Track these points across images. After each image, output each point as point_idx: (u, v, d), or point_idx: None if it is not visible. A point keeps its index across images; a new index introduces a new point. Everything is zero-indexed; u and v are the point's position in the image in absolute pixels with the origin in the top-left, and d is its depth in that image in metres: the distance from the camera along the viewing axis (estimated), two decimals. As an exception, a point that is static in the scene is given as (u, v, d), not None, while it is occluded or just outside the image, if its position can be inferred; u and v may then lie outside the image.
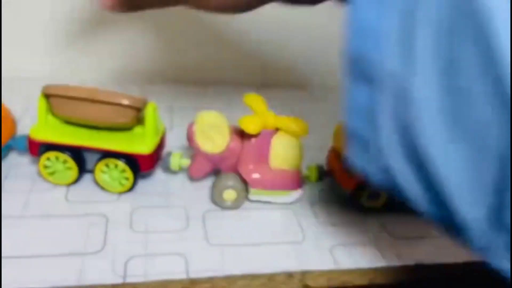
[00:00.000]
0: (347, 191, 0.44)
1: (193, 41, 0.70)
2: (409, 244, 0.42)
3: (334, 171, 0.46)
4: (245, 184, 0.43)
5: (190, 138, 0.43)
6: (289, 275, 0.37)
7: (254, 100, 0.45)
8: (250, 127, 0.40)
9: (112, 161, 0.41)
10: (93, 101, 0.39)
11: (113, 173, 0.42)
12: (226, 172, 0.43)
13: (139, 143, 0.42)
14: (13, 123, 0.46)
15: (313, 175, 0.46)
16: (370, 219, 0.45)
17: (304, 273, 0.37)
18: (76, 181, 0.43)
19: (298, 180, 0.44)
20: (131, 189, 0.43)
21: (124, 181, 0.42)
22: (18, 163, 0.45)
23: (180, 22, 0.68)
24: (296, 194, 0.44)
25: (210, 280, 0.35)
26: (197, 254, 0.37)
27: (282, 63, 0.76)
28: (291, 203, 0.45)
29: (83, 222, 0.39)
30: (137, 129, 0.43)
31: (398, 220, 0.45)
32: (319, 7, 0.42)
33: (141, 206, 0.42)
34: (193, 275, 0.35)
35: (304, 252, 0.39)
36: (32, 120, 0.47)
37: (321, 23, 0.70)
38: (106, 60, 0.69)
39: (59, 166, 0.42)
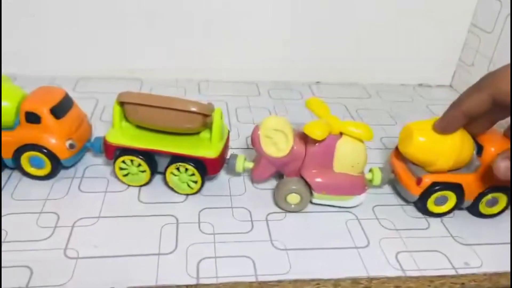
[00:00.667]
0: (413, 195, 0.44)
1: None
2: (477, 250, 0.41)
3: (398, 174, 0.46)
4: (309, 187, 0.43)
5: (254, 142, 0.43)
6: (355, 281, 0.37)
7: (316, 104, 0.45)
8: (316, 133, 0.40)
9: (182, 165, 0.43)
10: (165, 108, 0.41)
11: (183, 176, 0.44)
12: (290, 176, 0.44)
13: (207, 148, 0.44)
14: (90, 127, 0.49)
15: (377, 178, 0.45)
16: (435, 224, 0.44)
17: (371, 280, 0.37)
18: (148, 182, 0.45)
19: (362, 185, 0.44)
20: (199, 191, 0.45)
21: (192, 184, 0.44)
22: (93, 164, 0.48)
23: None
24: (359, 198, 0.44)
25: (278, 283, 0.36)
26: (264, 256, 0.38)
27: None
28: (353, 207, 0.45)
29: (155, 222, 0.41)
30: (204, 134, 0.45)
31: (463, 225, 0.44)
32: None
33: (207, 207, 0.44)
34: (261, 278, 0.36)
35: (368, 257, 0.39)
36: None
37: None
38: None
39: (133, 169, 0.44)
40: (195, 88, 0.69)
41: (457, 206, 0.44)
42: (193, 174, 0.44)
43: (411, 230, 0.43)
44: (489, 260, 0.40)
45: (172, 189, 0.45)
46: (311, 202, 0.44)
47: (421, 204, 0.44)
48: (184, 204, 0.44)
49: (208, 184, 0.47)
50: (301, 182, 0.43)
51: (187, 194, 0.45)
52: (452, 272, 0.38)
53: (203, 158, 0.43)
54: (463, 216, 0.45)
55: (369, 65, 0.75)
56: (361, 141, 0.42)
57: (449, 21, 0.72)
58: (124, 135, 0.44)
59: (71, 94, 0.47)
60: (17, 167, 0.44)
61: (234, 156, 0.46)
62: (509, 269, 0.39)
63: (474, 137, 0.44)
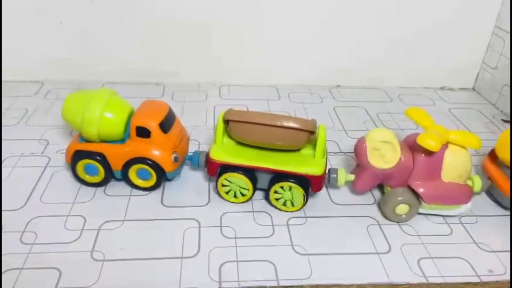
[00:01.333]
0: None
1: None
2: (500, 257, 0.40)
3: (495, 180, 0.46)
4: (417, 197, 0.43)
5: (360, 154, 0.43)
6: (377, 287, 0.37)
7: (419, 114, 0.45)
8: (431, 145, 0.40)
9: (286, 184, 0.43)
10: (271, 126, 0.41)
11: (287, 194, 0.43)
12: (395, 187, 0.44)
13: (311, 165, 0.43)
14: (189, 140, 0.50)
15: (477, 185, 0.45)
16: (457, 230, 0.44)
17: (394, 286, 0.37)
18: (249, 199, 0.45)
19: (469, 193, 0.44)
20: (300, 209, 0.44)
21: (296, 202, 0.44)
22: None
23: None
24: (466, 206, 0.44)
25: (299, 288, 0.36)
26: (285, 261, 0.39)
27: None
28: (459, 216, 0.45)
29: (178, 226, 0.42)
30: (305, 150, 0.45)
31: (487, 231, 0.43)
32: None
33: (228, 211, 0.44)
34: (283, 282, 0.37)
35: (390, 263, 0.39)
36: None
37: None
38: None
39: (235, 186, 0.44)
40: (216, 92, 0.70)
41: None
42: (297, 192, 0.43)
43: (433, 236, 0.43)
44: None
45: (275, 207, 0.45)
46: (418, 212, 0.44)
47: None
48: (206, 208, 0.45)
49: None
50: (408, 192, 0.43)
51: (291, 211, 0.44)
52: (475, 280, 0.38)
53: (308, 175, 0.43)
54: (486, 222, 0.45)
55: (391, 69, 0.74)
56: (466, 149, 0.43)
57: (473, 23, 0.71)
58: (227, 152, 0.44)
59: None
60: (125, 178, 0.46)
61: (334, 170, 0.45)
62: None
63: None
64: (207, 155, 0.45)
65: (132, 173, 0.45)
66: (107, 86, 0.69)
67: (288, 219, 0.44)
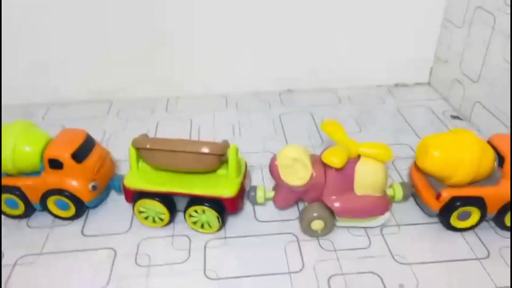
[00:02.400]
0: (433, 210, 0.43)
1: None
2: (414, 270, 0.40)
3: (418, 188, 0.45)
4: (332, 212, 0.43)
5: (273, 172, 0.43)
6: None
7: (333, 127, 0.45)
8: (334, 162, 0.40)
9: (199, 207, 0.43)
10: (179, 151, 0.42)
11: (202, 217, 0.44)
12: (312, 203, 0.44)
13: (224, 186, 0.43)
14: (113, 164, 0.50)
15: (398, 193, 0.45)
16: (458, 238, 0.43)
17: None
18: (169, 223, 0.45)
19: (385, 204, 0.43)
20: (219, 230, 0.44)
21: (212, 224, 0.44)
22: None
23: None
24: (384, 217, 0.43)
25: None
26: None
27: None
28: (379, 227, 0.44)
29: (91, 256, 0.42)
30: (222, 170, 0.44)
31: (404, 243, 0.43)
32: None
33: (147, 237, 0.44)
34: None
35: (300, 282, 0.39)
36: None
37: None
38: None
39: (152, 212, 0.44)
40: (164, 105, 0.70)
41: (481, 220, 0.43)
42: (211, 214, 0.43)
43: (350, 250, 0.42)
44: (425, 281, 0.39)
45: (195, 230, 0.45)
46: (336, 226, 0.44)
47: (444, 220, 0.44)
48: (125, 236, 0.45)
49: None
50: (323, 207, 0.43)
51: (209, 233, 0.45)
52: (384, 296, 0.38)
53: (221, 197, 0.43)
54: (407, 231, 0.44)
55: (341, 69, 0.73)
56: (387, 161, 0.42)
57: (422, 16, 0.70)
58: (141, 178, 0.44)
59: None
60: (45, 209, 0.46)
61: (254, 188, 0.45)
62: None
63: (496, 148, 0.43)
64: (122, 182, 0.45)
65: (51, 204, 0.45)
66: (55, 107, 0.70)
67: (207, 242, 0.44)
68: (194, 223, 0.44)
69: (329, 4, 0.67)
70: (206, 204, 0.43)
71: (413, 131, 0.62)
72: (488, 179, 0.42)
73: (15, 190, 0.45)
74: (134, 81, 0.71)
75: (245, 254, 0.42)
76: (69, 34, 0.67)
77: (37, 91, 0.70)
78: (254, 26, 0.68)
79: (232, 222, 0.46)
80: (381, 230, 0.44)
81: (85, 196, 0.45)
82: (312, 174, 0.42)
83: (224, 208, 0.43)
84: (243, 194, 0.45)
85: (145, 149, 0.43)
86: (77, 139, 0.45)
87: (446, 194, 0.42)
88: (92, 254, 0.42)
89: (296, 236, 0.44)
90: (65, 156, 0.44)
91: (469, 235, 0.44)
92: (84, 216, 0.47)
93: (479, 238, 0.43)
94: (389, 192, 0.45)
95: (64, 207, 0.45)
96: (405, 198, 0.45)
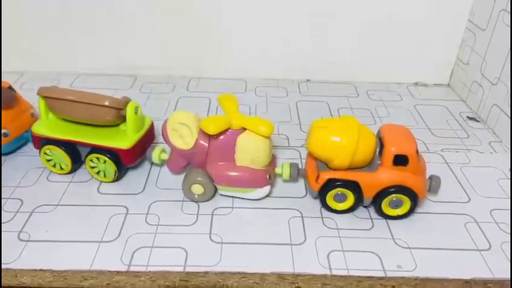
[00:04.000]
0: (313, 191, 0.45)
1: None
2: (414, 254, 0.41)
3: (306, 170, 0.47)
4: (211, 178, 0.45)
5: (163, 134, 0.46)
6: (281, 276, 0.38)
7: (227, 100, 0.47)
8: (209, 128, 0.42)
9: (97, 156, 0.47)
10: (80, 102, 0.45)
11: (101, 166, 0.47)
12: (195, 168, 0.46)
13: (122, 139, 0.47)
14: (32, 119, 0.53)
15: (285, 172, 0.47)
16: (380, 225, 0.44)
17: (297, 276, 0.38)
18: (71, 171, 0.49)
19: (263, 178, 0.45)
20: (116, 180, 0.48)
21: (108, 174, 0.48)
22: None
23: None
24: (261, 191, 0.45)
25: (205, 274, 0.38)
26: (197, 248, 0.41)
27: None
28: (260, 199, 0.46)
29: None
30: (124, 125, 0.48)
31: (410, 229, 0.44)
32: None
33: (157, 200, 0.46)
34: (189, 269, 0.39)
35: (301, 255, 0.40)
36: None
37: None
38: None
39: (56, 157, 0.48)
40: (185, 85, 0.72)
41: (357, 204, 0.45)
42: (108, 164, 0.47)
43: (352, 230, 0.43)
44: (424, 265, 0.40)
45: (93, 177, 0.49)
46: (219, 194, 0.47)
47: (321, 200, 0.45)
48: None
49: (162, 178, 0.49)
50: (204, 173, 0.45)
51: (106, 182, 0.49)
52: (381, 274, 0.38)
53: (117, 149, 0.47)
54: (409, 219, 0.45)
55: (362, 64, 0.74)
56: (265, 136, 0.44)
57: (447, 18, 0.70)
58: (48, 127, 0.48)
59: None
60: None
61: (151, 148, 0.49)
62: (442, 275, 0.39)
63: (379, 137, 0.44)
64: (30, 129, 0.49)
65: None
66: (82, 78, 0.73)
67: (214, 209, 0.45)
68: (93, 169, 0.48)
69: (354, 2, 0.69)
70: (105, 154, 0.47)
71: (428, 128, 0.62)
72: (369, 165, 0.44)
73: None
74: (159, 59, 0.74)
75: (249, 224, 0.44)
76: (101, 11, 0.69)
77: (67, 61, 0.73)
78: (282, 15, 0.70)
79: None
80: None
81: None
82: (196, 140, 0.44)
83: (120, 160, 0.47)
84: (141, 151, 0.49)
85: (49, 98, 0.46)
86: None
87: (324, 176, 0.43)
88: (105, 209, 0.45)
89: (301, 213, 0.45)
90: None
91: (473, 228, 0.44)
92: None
93: (482, 231, 0.44)
94: (278, 170, 0.47)
95: None
96: (292, 178, 0.47)
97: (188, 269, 0.38)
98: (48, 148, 0.48)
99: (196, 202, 0.46)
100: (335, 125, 0.43)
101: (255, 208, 0.45)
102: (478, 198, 0.48)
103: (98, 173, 0.48)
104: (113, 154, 0.47)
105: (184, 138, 0.45)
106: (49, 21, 0.70)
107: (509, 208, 0.47)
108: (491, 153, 0.57)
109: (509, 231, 0.44)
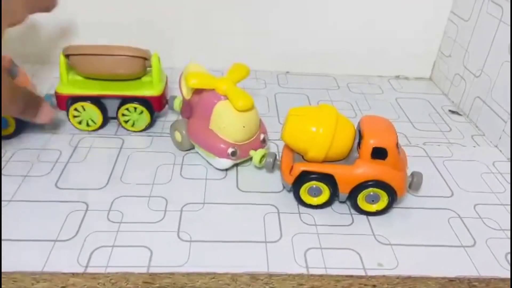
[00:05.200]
0: (287, 183, 0.42)
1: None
2: (396, 251, 0.38)
3: (282, 161, 0.44)
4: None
5: (179, 82, 0.50)
6: (254, 276, 0.35)
7: (236, 68, 0.48)
8: (191, 81, 0.44)
9: (131, 105, 0.50)
10: (108, 55, 0.47)
11: (133, 115, 0.51)
12: (183, 118, 0.50)
13: (151, 88, 0.50)
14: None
15: (256, 158, 0.46)
16: (360, 221, 0.42)
17: (270, 276, 0.35)
18: (102, 126, 0.52)
19: (224, 150, 0.45)
20: (147, 128, 0.52)
21: (140, 123, 0.51)
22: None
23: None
24: (220, 161, 0.45)
25: (170, 275, 0.35)
26: (163, 247, 0.37)
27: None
28: (220, 170, 0.47)
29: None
30: (145, 78, 0.51)
31: (392, 224, 0.41)
32: None
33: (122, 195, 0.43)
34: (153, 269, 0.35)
35: (276, 253, 0.37)
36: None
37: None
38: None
39: (85, 115, 0.50)
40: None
41: (333, 199, 0.42)
42: (142, 112, 0.50)
43: (332, 226, 0.41)
44: (406, 262, 0.37)
45: (126, 129, 0.52)
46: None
47: (295, 194, 0.42)
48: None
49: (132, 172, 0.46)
50: (184, 124, 0.48)
51: (137, 131, 0.52)
52: (361, 273, 0.36)
53: (149, 97, 0.50)
54: (391, 213, 0.43)
55: (343, 56, 0.72)
56: (238, 110, 0.43)
57: (429, 9, 0.68)
58: (73, 85, 0.49)
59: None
60: None
61: (173, 97, 0.53)
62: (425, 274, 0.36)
63: (359, 129, 0.42)
64: (55, 91, 0.50)
65: None
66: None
67: (184, 206, 0.42)
68: (126, 122, 0.51)
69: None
70: (138, 103, 0.50)
71: (409, 121, 0.60)
72: (347, 158, 0.41)
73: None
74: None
75: (221, 220, 0.40)
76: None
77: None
78: (263, 7, 0.67)
79: (212, 189, 0.44)
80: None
81: None
82: (193, 92, 0.47)
83: (151, 106, 0.51)
84: (165, 99, 0.53)
85: (75, 55, 0.47)
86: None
87: (298, 168, 0.41)
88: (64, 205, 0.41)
89: (277, 208, 0.42)
90: None
91: (457, 223, 0.42)
92: (59, 170, 0.45)
93: (466, 227, 0.42)
94: (251, 153, 0.46)
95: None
96: (265, 167, 0.45)
97: (152, 270, 0.35)
98: (81, 105, 0.49)
99: (177, 148, 0.49)
100: (312, 114, 0.40)
101: (228, 204, 0.42)
102: (461, 192, 0.46)
103: (127, 122, 0.51)
104: (146, 103, 0.50)
105: (187, 88, 0.48)
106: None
107: (494, 203, 0.45)
108: (474, 146, 0.55)
109: (495, 227, 0.42)
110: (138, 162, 0.48)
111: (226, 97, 0.44)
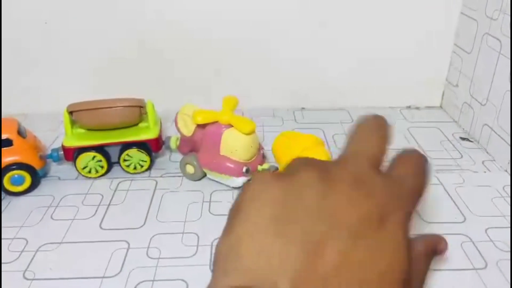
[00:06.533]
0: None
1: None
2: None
3: None
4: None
5: (175, 122, 0.56)
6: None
7: (228, 100, 0.55)
8: (197, 118, 0.52)
9: (131, 150, 0.55)
10: (107, 108, 0.54)
11: (134, 159, 0.56)
12: (194, 153, 0.55)
13: (147, 132, 0.56)
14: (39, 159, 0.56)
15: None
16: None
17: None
18: (107, 172, 0.57)
19: (239, 169, 0.52)
20: (149, 168, 0.57)
21: (143, 163, 0.57)
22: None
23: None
24: (237, 180, 0.52)
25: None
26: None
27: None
28: (235, 188, 0.53)
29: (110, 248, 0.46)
30: (141, 124, 0.57)
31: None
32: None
33: (159, 233, 0.47)
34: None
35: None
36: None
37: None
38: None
39: (92, 163, 0.55)
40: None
41: None
42: (142, 154, 0.56)
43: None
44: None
45: (127, 172, 0.57)
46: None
47: None
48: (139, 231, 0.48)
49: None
50: (195, 157, 0.54)
51: (142, 172, 0.57)
52: None
53: (147, 140, 0.56)
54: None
55: (355, 90, 0.76)
56: (245, 134, 0.51)
57: (435, 41, 0.72)
58: (78, 138, 0.55)
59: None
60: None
61: (169, 137, 0.58)
62: None
63: None
64: (62, 145, 0.55)
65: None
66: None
67: (214, 240, 0.46)
68: (128, 166, 0.56)
69: (346, 25, 0.71)
70: (137, 147, 0.55)
71: (422, 150, 0.63)
72: None
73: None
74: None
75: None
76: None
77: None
78: (269, 45, 0.72)
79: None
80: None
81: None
82: (195, 129, 0.54)
83: (150, 149, 0.56)
84: (162, 141, 0.58)
85: (79, 111, 0.54)
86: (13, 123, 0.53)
87: None
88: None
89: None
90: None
91: (469, 247, 0.45)
92: (102, 213, 0.50)
93: (478, 250, 0.44)
94: (259, 168, 0.54)
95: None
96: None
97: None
98: (94, 155, 0.54)
99: (189, 180, 0.55)
100: (295, 140, 0.55)
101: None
102: (473, 217, 0.49)
103: (129, 166, 0.56)
104: (144, 145, 0.55)
105: (188, 127, 0.55)
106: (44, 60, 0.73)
107: (505, 226, 0.48)
108: (485, 172, 0.58)
109: (506, 249, 0.44)
110: (170, 201, 0.52)
111: (230, 126, 0.52)
